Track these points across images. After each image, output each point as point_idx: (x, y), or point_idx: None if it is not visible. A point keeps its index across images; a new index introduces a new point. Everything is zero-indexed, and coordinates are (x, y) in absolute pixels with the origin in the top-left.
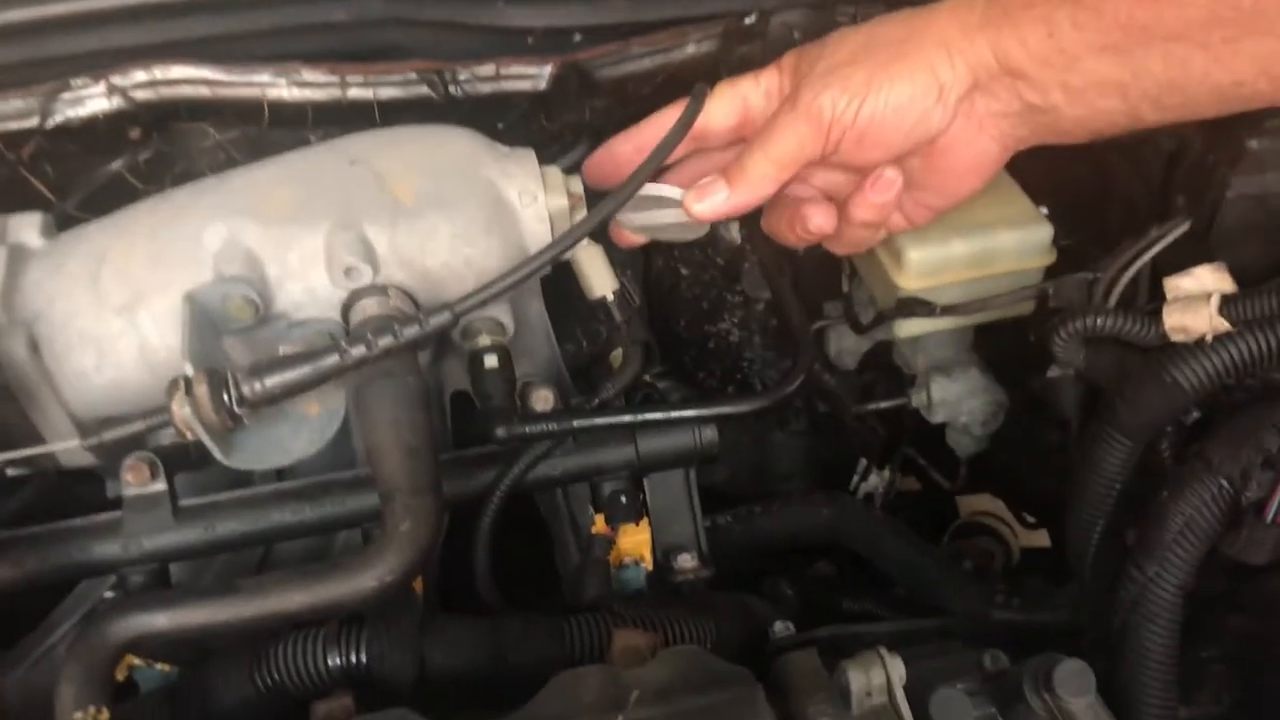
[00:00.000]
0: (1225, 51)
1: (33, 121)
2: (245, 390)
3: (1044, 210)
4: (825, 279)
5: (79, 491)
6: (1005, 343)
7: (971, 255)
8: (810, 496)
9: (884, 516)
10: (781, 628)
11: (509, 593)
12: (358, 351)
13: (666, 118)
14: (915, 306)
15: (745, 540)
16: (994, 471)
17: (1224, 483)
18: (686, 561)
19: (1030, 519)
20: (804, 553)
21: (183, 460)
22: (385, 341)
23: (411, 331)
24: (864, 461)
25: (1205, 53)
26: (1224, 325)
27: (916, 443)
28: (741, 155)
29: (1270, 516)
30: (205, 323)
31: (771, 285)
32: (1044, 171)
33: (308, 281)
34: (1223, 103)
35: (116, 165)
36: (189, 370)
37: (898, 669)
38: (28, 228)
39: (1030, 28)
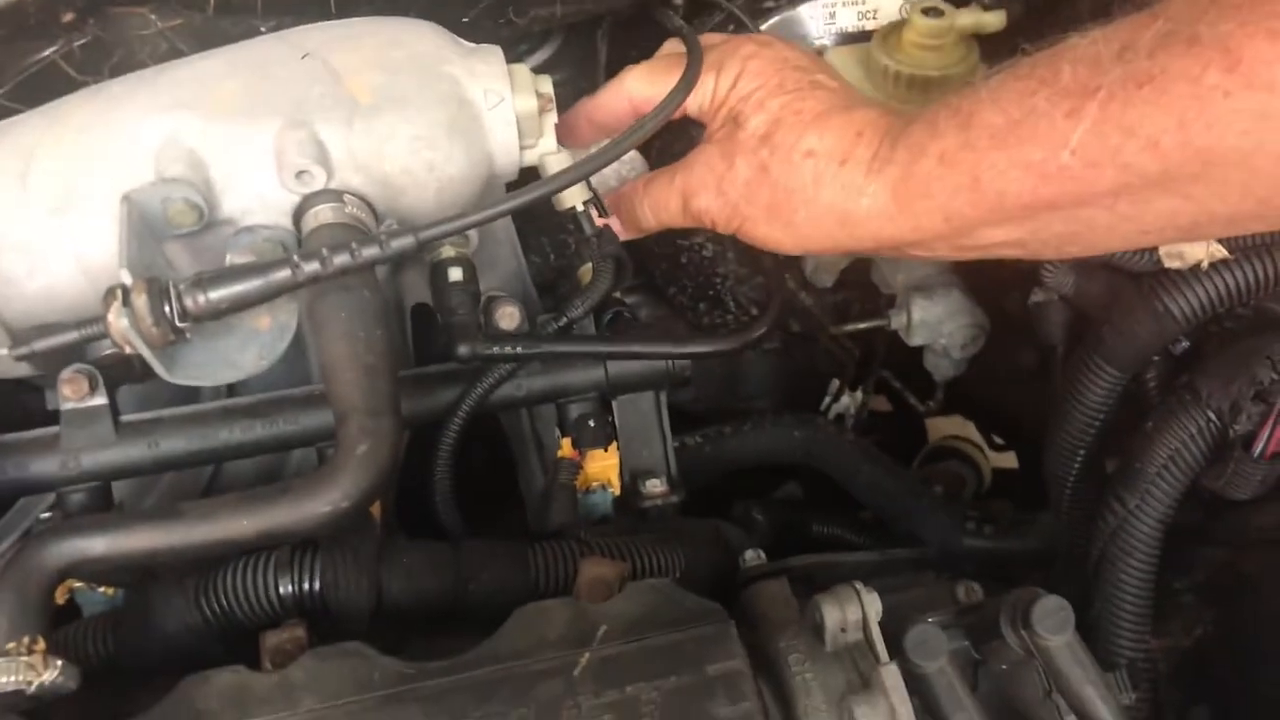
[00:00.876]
0: (1131, 211)
1: None
2: (188, 302)
3: None
4: None
5: (25, 400)
6: (985, 262)
7: None
8: (781, 418)
9: (856, 440)
10: (752, 556)
11: (468, 512)
12: (311, 268)
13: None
14: None
15: (714, 461)
16: (964, 392)
17: (1212, 415)
18: (655, 486)
19: (999, 441)
20: (771, 473)
21: (126, 373)
22: (342, 260)
23: (371, 252)
24: (836, 382)
25: (1110, 213)
26: (1222, 251)
27: (890, 364)
28: (632, 198)
29: (1258, 451)
30: (144, 227)
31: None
32: None
33: (256, 184)
34: (1125, 246)
35: (49, 52)
36: (126, 279)
37: (874, 604)
38: None
39: (927, 217)
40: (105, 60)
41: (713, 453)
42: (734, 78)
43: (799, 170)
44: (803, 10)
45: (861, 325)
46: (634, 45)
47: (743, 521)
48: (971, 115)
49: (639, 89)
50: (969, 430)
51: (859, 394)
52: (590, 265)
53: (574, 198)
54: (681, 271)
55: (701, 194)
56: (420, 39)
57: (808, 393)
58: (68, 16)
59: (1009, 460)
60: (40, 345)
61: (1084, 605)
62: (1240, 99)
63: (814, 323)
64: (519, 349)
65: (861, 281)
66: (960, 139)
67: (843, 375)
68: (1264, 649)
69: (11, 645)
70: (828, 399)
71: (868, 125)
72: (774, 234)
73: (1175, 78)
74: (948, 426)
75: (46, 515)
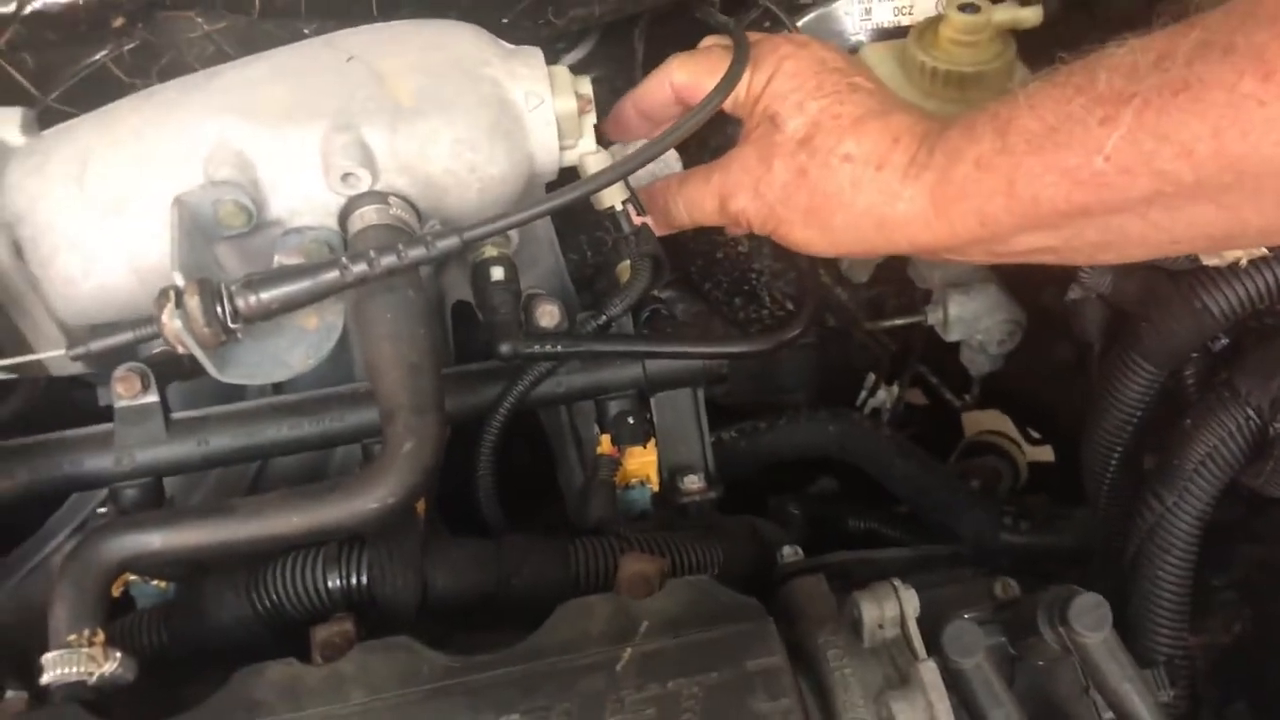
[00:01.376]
0: (1164, 219)
1: (10, 7)
2: (240, 304)
3: None
4: None
5: (76, 396)
6: None
7: None
8: (816, 413)
9: (891, 434)
10: (790, 552)
11: (518, 509)
12: (359, 269)
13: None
14: None
15: (750, 456)
16: (1000, 386)
17: (1251, 412)
18: (693, 483)
19: (1035, 435)
20: (807, 468)
21: (175, 371)
22: (389, 261)
23: (417, 253)
24: (872, 377)
25: (1143, 221)
26: (1261, 249)
27: (926, 358)
28: (666, 195)
29: None
30: (195, 229)
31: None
32: None
33: (303, 186)
34: (1156, 254)
35: (99, 56)
36: (179, 280)
37: (911, 601)
38: (7, 123)
39: (962, 221)
40: (154, 63)
41: (748, 448)
42: (768, 77)
43: (837, 174)
44: (839, 6)
45: (899, 321)
46: (671, 42)
47: (779, 517)
48: (1009, 121)
49: (681, 78)
50: (1005, 425)
51: (895, 388)
52: (628, 263)
53: (612, 197)
54: (717, 267)
55: (739, 195)
56: (461, 41)
57: (844, 387)
58: (118, 21)
59: (1045, 454)
60: (96, 346)
61: (1121, 602)
62: (1275, 109)
63: (849, 318)
64: (559, 347)
65: (897, 277)
66: (997, 144)
67: (878, 370)
68: None
69: (73, 637)
70: (864, 393)
71: (904, 131)
72: (810, 236)
73: (1211, 86)
74: (985, 420)
75: (102, 510)
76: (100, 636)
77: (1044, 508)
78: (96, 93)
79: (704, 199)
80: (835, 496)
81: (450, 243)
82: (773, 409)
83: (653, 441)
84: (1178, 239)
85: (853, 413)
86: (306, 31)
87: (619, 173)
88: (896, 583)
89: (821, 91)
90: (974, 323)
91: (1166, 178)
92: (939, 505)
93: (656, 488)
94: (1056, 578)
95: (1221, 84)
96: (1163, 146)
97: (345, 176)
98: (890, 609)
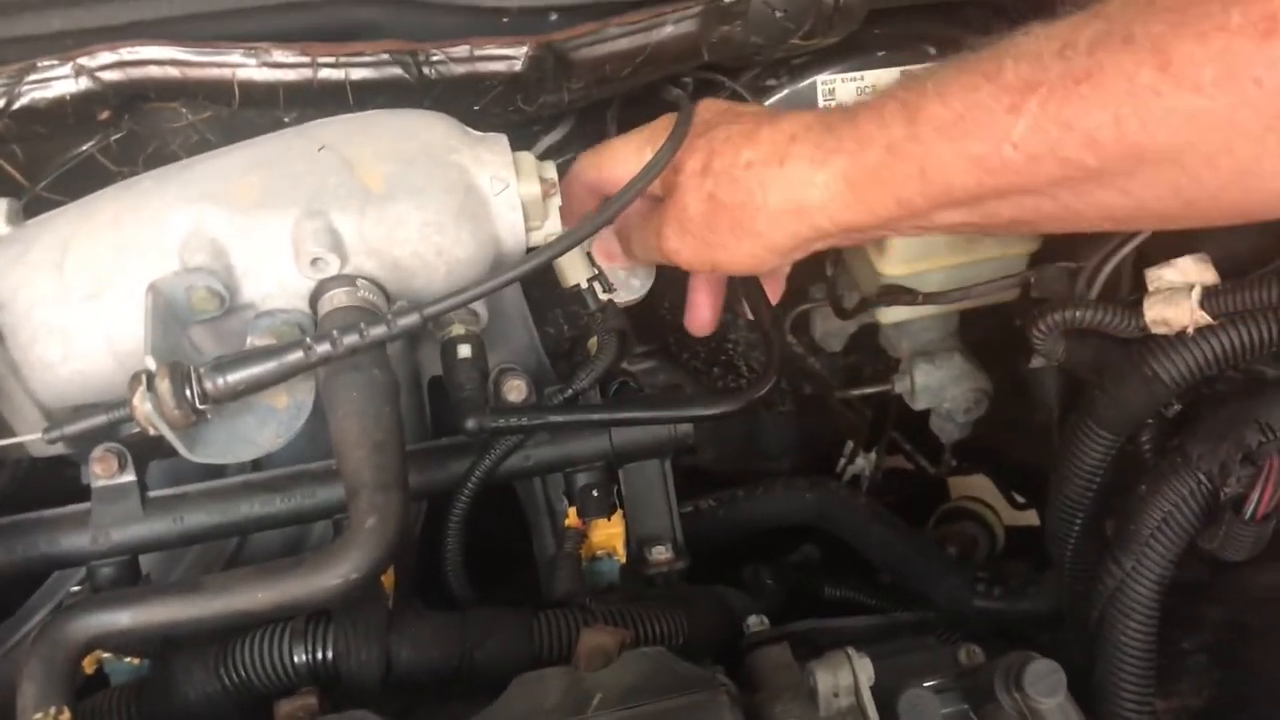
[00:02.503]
0: (1073, 201)
1: None
2: (208, 385)
3: None
4: (810, 262)
5: (66, 474)
6: (995, 323)
7: (955, 241)
8: (794, 481)
9: (868, 501)
10: (755, 621)
11: (494, 576)
12: (322, 349)
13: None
14: (898, 294)
15: (728, 525)
16: (984, 451)
17: (1203, 478)
18: (661, 554)
19: (1020, 499)
20: (790, 534)
21: (155, 448)
22: (350, 340)
23: (378, 331)
24: (850, 444)
25: (1054, 202)
26: (1205, 318)
27: (904, 425)
28: (628, 231)
29: (1249, 513)
30: (169, 314)
31: (744, 280)
32: None
33: (275, 271)
34: (1070, 230)
35: (87, 147)
36: (151, 364)
37: (865, 669)
38: None
39: (880, 203)
40: (140, 151)
41: (726, 516)
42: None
43: (743, 184)
44: (804, 87)
45: (868, 390)
46: (643, 122)
47: (752, 585)
48: (918, 109)
49: (591, 175)
50: (989, 489)
51: (873, 455)
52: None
53: (577, 275)
54: (693, 338)
55: (669, 237)
56: (430, 129)
57: (826, 454)
58: (104, 114)
59: (1031, 518)
60: (70, 430)
61: (1091, 666)
62: (1171, 98)
63: (824, 386)
64: (524, 420)
65: (871, 345)
66: (907, 131)
67: (856, 437)
68: (1271, 709)
69: (39, 716)
70: (843, 460)
71: (799, 128)
72: (744, 251)
73: (1111, 75)
74: (971, 485)
75: (76, 589)
76: (66, 715)
77: (1020, 573)
78: (85, 181)
79: (648, 239)
80: (814, 564)
81: (411, 320)
82: (757, 475)
83: (619, 514)
84: (1086, 218)
85: (830, 481)
86: (286, 120)
87: (576, 238)
88: (851, 651)
89: (710, 126)
90: (940, 391)
91: (1071, 164)
92: (915, 572)
93: (624, 559)
94: (1031, 642)
95: (1121, 73)
96: (1067, 135)
97: (315, 261)
98: (844, 677)
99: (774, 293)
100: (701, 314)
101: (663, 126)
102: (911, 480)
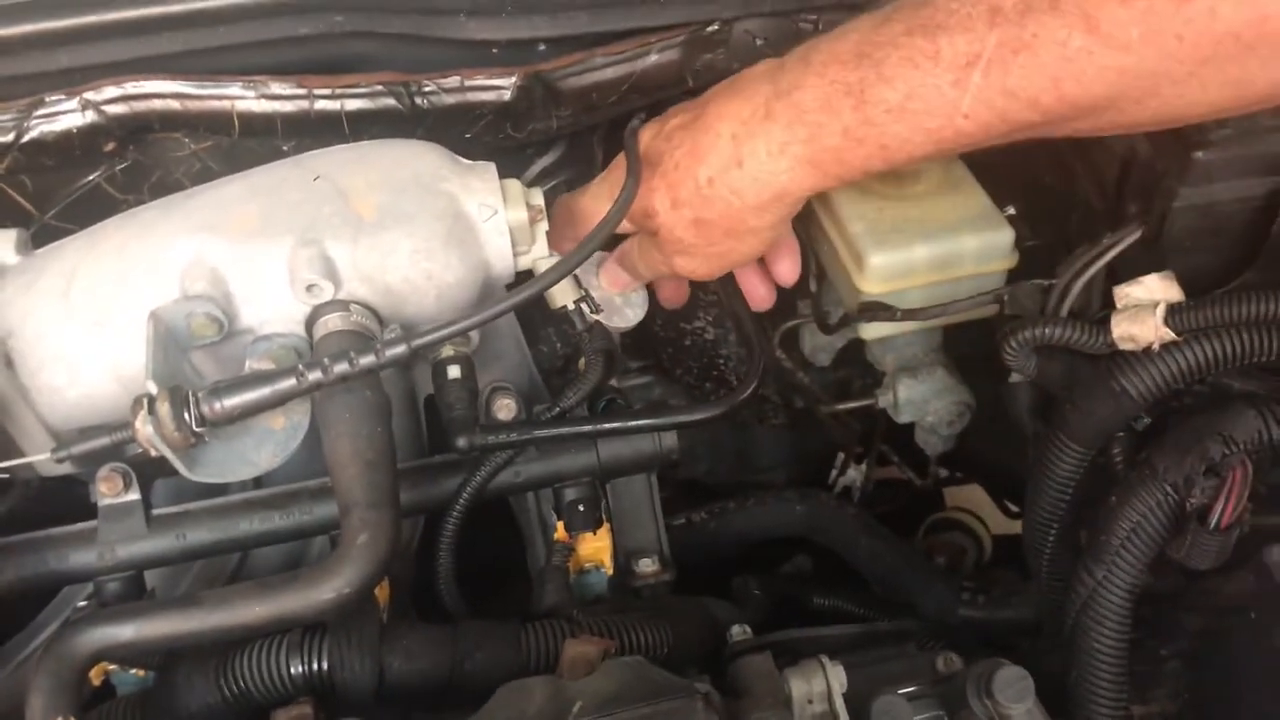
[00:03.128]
0: (1024, 143)
1: (8, 137)
2: (205, 409)
3: (1010, 211)
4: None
5: (76, 493)
6: (981, 337)
7: (934, 259)
8: (784, 493)
9: (857, 513)
10: (739, 631)
11: (493, 586)
12: (315, 376)
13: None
14: (877, 311)
15: (719, 537)
16: (976, 461)
17: (1169, 489)
18: (647, 566)
19: (1014, 508)
20: (783, 545)
21: (160, 467)
22: (341, 369)
23: (367, 361)
24: (841, 456)
25: (1008, 140)
26: (1169, 334)
27: (894, 436)
28: (631, 258)
29: (1213, 523)
30: (170, 340)
31: (729, 294)
32: (1011, 170)
33: (271, 298)
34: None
35: (93, 176)
36: (152, 389)
37: (838, 677)
38: (2, 244)
39: (846, 173)
40: (145, 180)
41: (717, 528)
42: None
43: (716, 198)
44: None
45: (853, 404)
46: None
47: (739, 595)
48: (863, 91)
49: (561, 221)
50: (982, 499)
51: (863, 467)
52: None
53: (564, 298)
54: (686, 354)
55: (681, 265)
56: (420, 159)
57: (819, 464)
58: (109, 145)
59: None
60: (76, 450)
61: (1066, 672)
62: (1102, 58)
63: (812, 400)
64: (512, 436)
65: (860, 359)
66: (859, 116)
67: (846, 449)
68: (1242, 714)
69: None
70: (834, 472)
71: (736, 124)
72: (748, 245)
73: (1045, 42)
74: (965, 494)
75: (83, 604)
76: None
77: (1008, 581)
78: (91, 209)
79: (657, 266)
80: (805, 574)
81: (399, 351)
82: (751, 487)
83: (606, 528)
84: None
85: (820, 493)
86: (285, 148)
87: (557, 275)
88: (824, 659)
89: (655, 158)
90: (923, 405)
91: (1019, 122)
92: (902, 582)
93: (611, 571)
94: (1013, 650)
95: (1054, 40)
96: (1012, 101)
97: (310, 287)
98: (818, 684)
99: (793, 259)
100: (758, 292)
101: (618, 169)
102: (904, 490)
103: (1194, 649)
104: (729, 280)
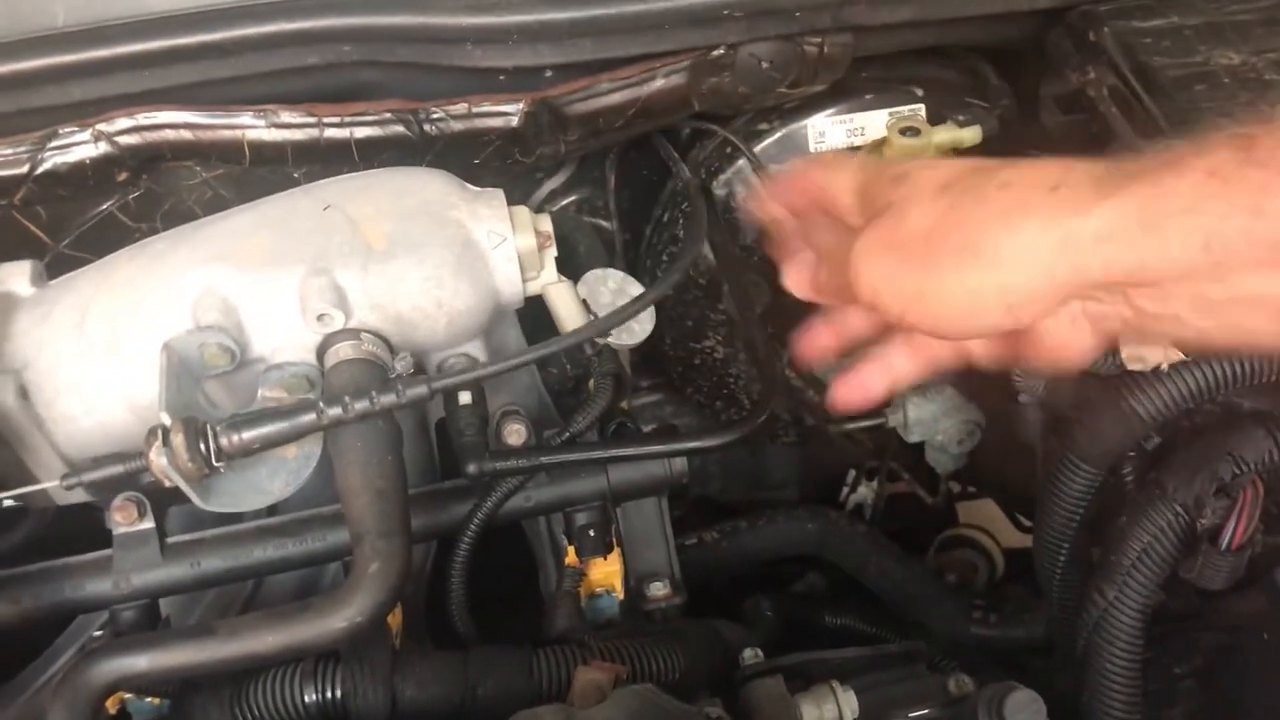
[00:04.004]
0: None
1: (23, 169)
2: (223, 442)
3: None
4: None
5: (94, 520)
6: None
7: None
8: (794, 512)
9: (868, 531)
10: (750, 654)
11: (507, 610)
12: (334, 412)
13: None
14: None
15: (731, 556)
16: (989, 476)
17: (1180, 510)
18: (658, 590)
19: (1027, 522)
20: (798, 562)
21: (175, 494)
22: (361, 407)
23: (388, 399)
24: (853, 473)
25: None
26: (1178, 355)
27: (905, 453)
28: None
29: (1224, 544)
30: (183, 370)
31: (741, 315)
32: None
33: (283, 326)
34: None
35: (107, 205)
36: (166, 420)
37: (850, 703)
38: (17, 276)
39: (1182, 239)
40: (157, 208)
41: (730, 548)
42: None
43: (994, 201)
44: (795, 130)
45: (864, 423)
46: (639, 167)
47: (751, 618)
48: (1252, 139)
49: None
50: (995, 514)
51: (875, 484)
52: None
53: (574, 322)
54: (696, 373)
55: (864, 266)
56: (429, 187)
57: (831, 483)
58: (122, 175)
59: None
60: (86, 477)
61: (1079, 692)
62: None
63: (821, 418)
64: (522, 462)
65: None
66: (1240, 156)
67: (858, 467)
68: None
69: None
70: (846, 489)
71: (1067, 170)
72: (964, 287)
73: None
74: (980, 508)
75: (99, 633)
76: None
77: (1020, 597)
78: (105, 238)
79: (836, 274)
80: (818, 592)
81: (419, 391)
82: (763, 505)
83: (616, 552)
84: None
85: (830, 511)
86: (296, 176)
87: (584, 336)
88: (835, 685)
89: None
90: (933, 424)
91: None
92: (913, 600)
93: (622, 596)
94: (1025, 669)
95: None
96: None
97: (321, 316)
98: (829, 711)
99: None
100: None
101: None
102: (917, 507)
103: (1209, 668)
104: (742, 300)
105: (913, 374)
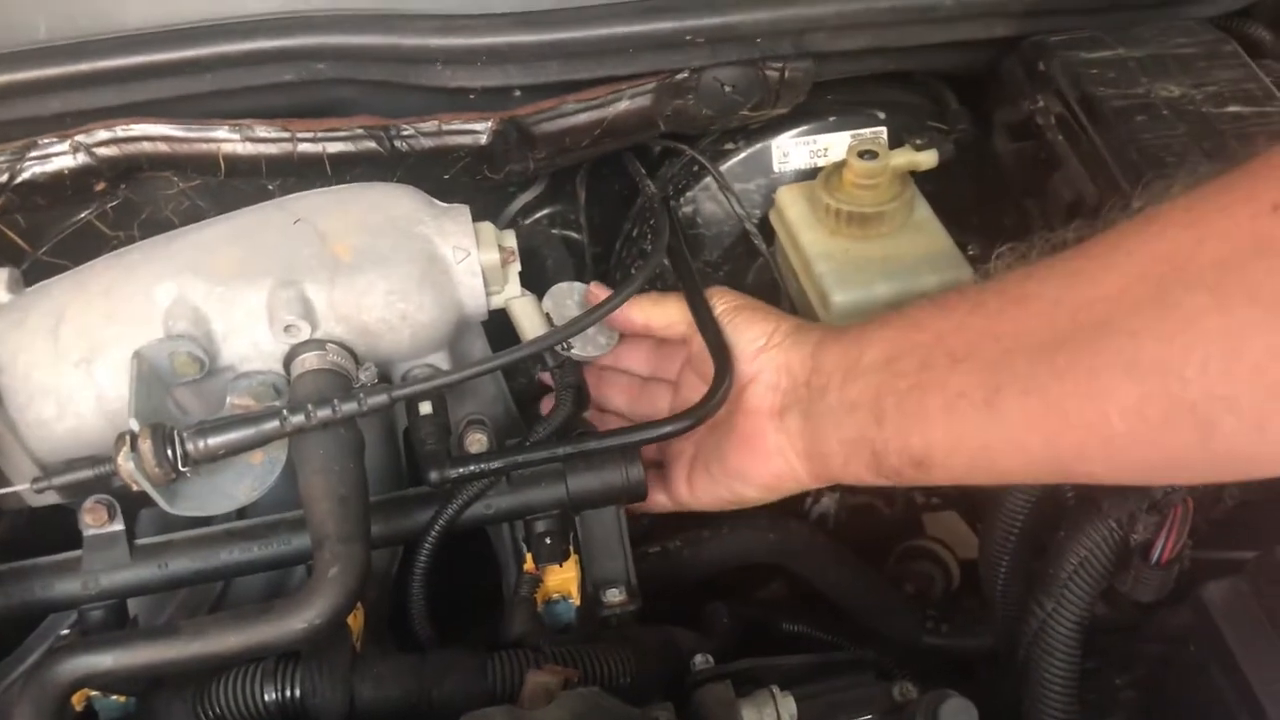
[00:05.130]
0: None
1: (2, 178)
2: (190, 448)
3: (973, 250)
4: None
5: (69, 521)
6: None
7: (895, 298)
8: (757, 522)
9: (827, 542)
10: (701, 660)
11: (473, 613)
12: (297, 420)
13: None
14: None
15: (693, 565)
16: (950, 488)
17: (1114, 525)
18: (614, 596)
19: None
20: (763, 570)
21: (145, 498)
22: (323, 414)
23: (349, 408)
24: None
25: None
26: None
27: None
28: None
29: (1155, 558)
30: (153, 377)
31: (693, 311)
32: (971, 206)
33: (251, 336)
34: None
35: (85, 214)
36: (134, 426)
37: (789, 707)
38: None
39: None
40: (134, 217)
41: (692, 556)
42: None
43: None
44: (760, 150)
45: None
46: (609, 182)
47: (707, 624)
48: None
49: (640, 319)
50: (958, 526)
51: (837, 495)
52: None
53: (535, 331)
54: None
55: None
56: (398, 203)
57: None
58: (100, 185)
59: None
60: (58, 480)
61: (1019, 701)
62: None
63: None
64: (481, 467)
65: None
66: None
67: None
68: None
69: None
70: (809, 499)
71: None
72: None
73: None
74: (944, 522)
75: (67, 632)
76: None
77: (972, 610)
78: (83, 245)
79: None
80: (776, 601)
81: (380, 400)
82: (728, 514)
83: (573, 559)
84: None
85: (791, 522)
86: (270, 187)
87: (541, 346)
88: (775, 690)
89: None
90: None
91: None
92: (869, 609)
93: (579, 602)
94: (973, 678)
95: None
96: None
97: (288, 327)
98: (769, 714)
99: None
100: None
101: None
102: (880, 518)
103: (1148, 678)
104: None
105: None
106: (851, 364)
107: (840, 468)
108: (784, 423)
